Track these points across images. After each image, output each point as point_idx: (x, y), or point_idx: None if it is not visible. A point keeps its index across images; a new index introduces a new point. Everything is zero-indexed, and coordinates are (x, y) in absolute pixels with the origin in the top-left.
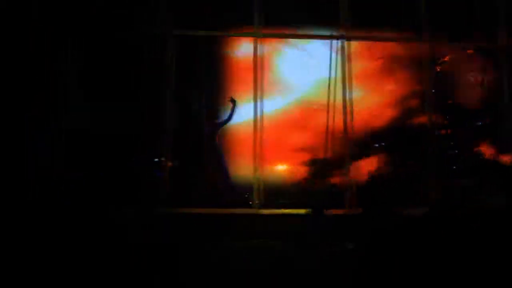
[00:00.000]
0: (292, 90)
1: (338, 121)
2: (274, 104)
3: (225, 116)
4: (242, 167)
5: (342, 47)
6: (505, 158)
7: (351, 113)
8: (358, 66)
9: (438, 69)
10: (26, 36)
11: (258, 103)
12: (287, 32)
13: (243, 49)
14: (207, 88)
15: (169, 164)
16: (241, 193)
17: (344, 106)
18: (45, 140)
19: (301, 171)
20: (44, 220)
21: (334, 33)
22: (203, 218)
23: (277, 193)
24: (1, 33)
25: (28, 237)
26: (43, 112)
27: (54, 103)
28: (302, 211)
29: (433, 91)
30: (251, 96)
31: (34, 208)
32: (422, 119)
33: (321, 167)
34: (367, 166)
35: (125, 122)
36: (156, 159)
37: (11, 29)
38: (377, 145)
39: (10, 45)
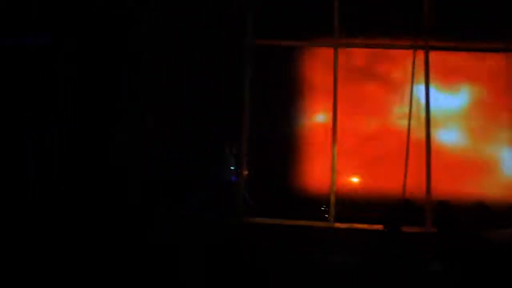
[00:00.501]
0: (371, 101)
1: (418, 135)
2: (352, 116)
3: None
4: (318, 180)
5: (424, 57)
6: None
7: (431, 126)
8: (441, 75)
9: None
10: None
11: (336, 115)
12: (366, 41)
13: (321, 59)
14: (283, 98)
15: (245, 172)
16: (316, 206)
17: (427, 119)
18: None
19: (378, 185)
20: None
21: (415, 43)
22: (277, 229)
23: (353, 207)
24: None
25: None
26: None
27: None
28: (378, 226)
29: None
30: (328, 107)
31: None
32: None
33: (399, 182)
34: (447, 183)
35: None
36: (233, 167)
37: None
38: (459, 161)
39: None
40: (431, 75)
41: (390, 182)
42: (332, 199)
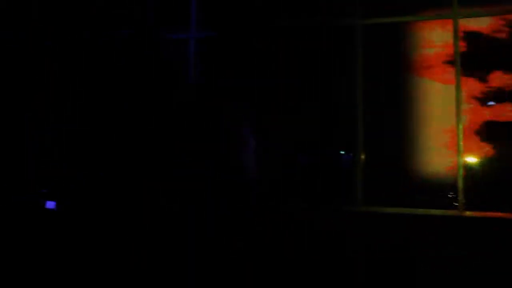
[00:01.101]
0: (500, 74)
1: None
2: (478, 92)
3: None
4: (439, 163)
5: None
6: None
7: None
8: None
9: None
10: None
11: (460, 91)
12: (490, 8)
13: (438, 34)
14: (396, 78)
15: (362, 157)
16: (438, 192)
17: None
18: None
19: None
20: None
21: None
22: (394, 218)
23: (485, 193)
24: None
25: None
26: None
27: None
28: None
29: None
30: (449, 86)
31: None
32: None
33: None
34: None
35: None
36: (343, 152)
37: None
38: None
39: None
40: None
41: None
42: (460, 184)
